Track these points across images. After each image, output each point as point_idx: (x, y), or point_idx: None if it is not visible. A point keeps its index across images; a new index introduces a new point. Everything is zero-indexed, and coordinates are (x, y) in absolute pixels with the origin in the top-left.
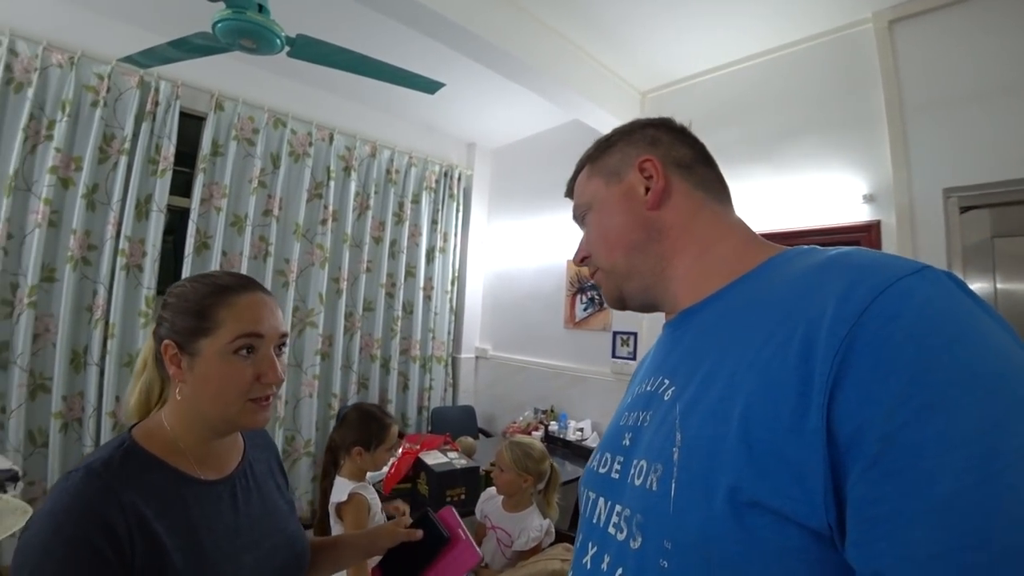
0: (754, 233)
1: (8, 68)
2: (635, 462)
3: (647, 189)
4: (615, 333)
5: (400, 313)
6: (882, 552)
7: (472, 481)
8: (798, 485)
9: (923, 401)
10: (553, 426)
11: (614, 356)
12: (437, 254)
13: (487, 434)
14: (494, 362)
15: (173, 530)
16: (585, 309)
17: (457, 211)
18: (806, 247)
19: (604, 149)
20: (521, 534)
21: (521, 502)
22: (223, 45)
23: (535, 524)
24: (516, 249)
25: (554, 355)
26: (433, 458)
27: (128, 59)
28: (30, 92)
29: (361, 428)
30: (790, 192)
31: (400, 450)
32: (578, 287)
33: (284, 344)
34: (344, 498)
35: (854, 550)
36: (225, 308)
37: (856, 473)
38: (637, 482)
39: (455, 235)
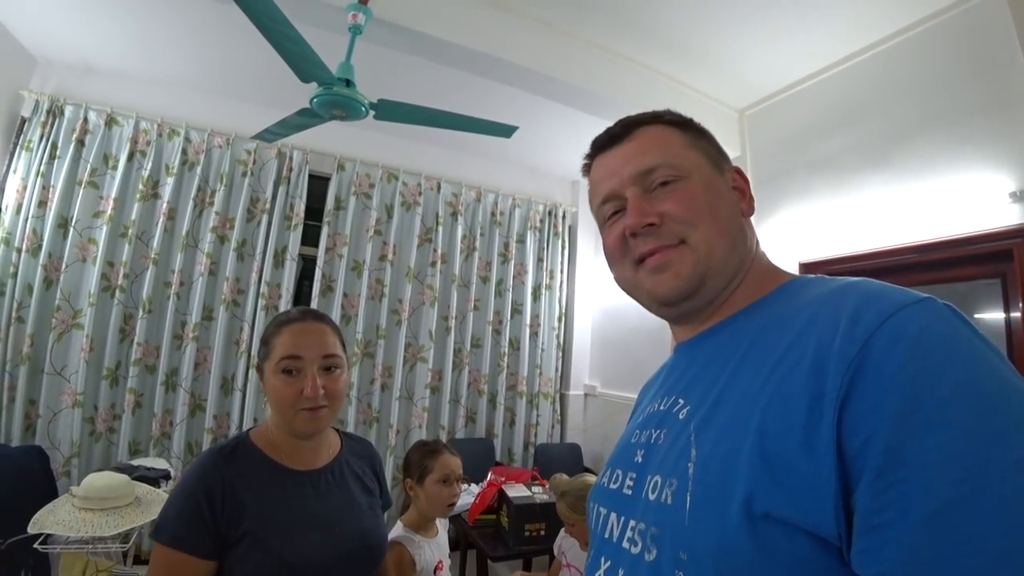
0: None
1: (184, 152)
2: (649, 478)
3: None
4: None
5: (507, 349)
6: (885, 558)
7: (552, 517)
8: (810, 495)
9: (925, 416)
10: None
11: None
12: (543, 291)
13: (593, 473)
14: (602, 399)
15: (255, 500)
16: None
17: (562, 249)
18: (816, 276)
19: (700, 131)
20: None
21: None
22: (320, 116)
23: None
24: None
25: None
26: (516, 491)
27: (257, 136)
28: (198, 169)
29: (409, 459)
30: (913, 200)
31: (485, 481)
32: None
33: (331, 365)
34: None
35: (859, 558)
36: (277, 336)
37: (863, 484)
38: (652, 496)
39: (561, 272)
